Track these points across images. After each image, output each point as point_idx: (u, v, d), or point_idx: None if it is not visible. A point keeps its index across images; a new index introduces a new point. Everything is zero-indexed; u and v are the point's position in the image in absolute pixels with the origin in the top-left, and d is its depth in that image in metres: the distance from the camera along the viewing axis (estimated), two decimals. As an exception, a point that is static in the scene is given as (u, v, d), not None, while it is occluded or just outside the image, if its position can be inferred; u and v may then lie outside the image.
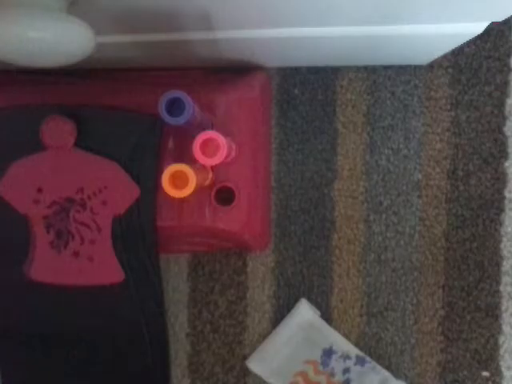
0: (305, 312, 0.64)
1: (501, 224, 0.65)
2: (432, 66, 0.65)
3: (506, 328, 0.65)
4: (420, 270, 0.65)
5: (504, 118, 0.65)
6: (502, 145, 0.65)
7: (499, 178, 0.65)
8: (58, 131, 0.55)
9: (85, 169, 0.56)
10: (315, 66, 0.65)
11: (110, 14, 0.45)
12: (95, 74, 0.60)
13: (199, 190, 0.51)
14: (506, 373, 0.65)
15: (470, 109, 0.65)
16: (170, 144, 0.57)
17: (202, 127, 0.52)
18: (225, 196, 0.57)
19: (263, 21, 0.49)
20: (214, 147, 0.47)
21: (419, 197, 0.65)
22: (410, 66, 0.65)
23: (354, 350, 0.64)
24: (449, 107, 0.65)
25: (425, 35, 0.51)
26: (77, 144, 0.55)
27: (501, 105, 0.65)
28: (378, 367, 0.63)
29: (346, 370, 0.63)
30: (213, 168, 0.55)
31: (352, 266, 0.65)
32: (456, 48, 0.62)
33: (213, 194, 0.57)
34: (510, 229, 0.65)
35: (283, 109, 0.65)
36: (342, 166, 0.65)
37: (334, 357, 0.64)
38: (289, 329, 0.64)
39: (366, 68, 0.65)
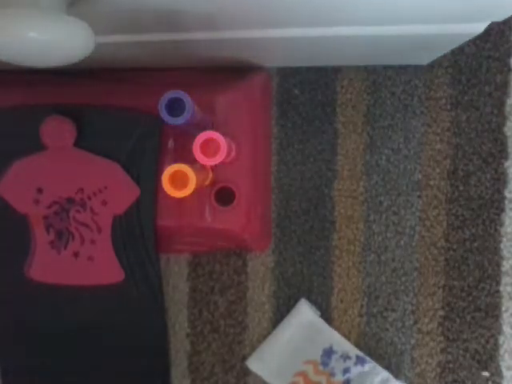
0: (305, 312, 0.64)
1: (501, 224, 0.65)
2: (432, 65, 0.65)
3: (506, 328, 0.65)
4: (420, 271, 0.65)
5: (504, 118, 0.65)
6: (501, 145, 0.65)
7: (499, 178, 0.65)
8: (58, 131, 0.55)
9: (85, 169, 0.56)
10: (315, 66, 0.65)
11: (109, 14, 0.45)
12: (95, 74, 0.60)
13: (199, 189, 0.51)
14: (506, 373, 0.65)
15: (470, 109, 0.65)
16: (170, 144, 0.57)
17: (202, 127, 0.52)
18: (225, 196, 0.57)
19: (263, 21, 0.49)
20: (214, 147, 0.47)
21: (419, 197, 0.65)
22: (410, 66, 0.65)
23: (353, 350, 0.64)
24: (449, 107, 0.65)
25: (425, 35, 0.51)
26: (77, 144, 0.55)
27: (501, 105, 0.65)
28: (378, 367, 0.63)
29: (346, 370, 0.63)
30: (213, 168, 0.55)
31: (352, 266, 0.65)
32: (456, 48, 0.62)
33: (213, 194, 0.57)
34: (509, 229, 0.65)
35: (283, 109, 0.65)
36: (342, 165, 0.65)
37: (334, 357, 0.64)
38: (289, 329, 0.64)
39: (365, 68, 0.65)
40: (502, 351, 0.65)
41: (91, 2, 0.41)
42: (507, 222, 0.65)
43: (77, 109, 0.55)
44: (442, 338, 0.65)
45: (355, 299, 0.65)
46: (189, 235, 0.61)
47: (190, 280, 0.66)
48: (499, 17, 0.47)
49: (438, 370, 0.65)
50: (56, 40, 0.37)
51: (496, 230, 0.65)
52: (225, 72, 0.62)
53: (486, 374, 0.65)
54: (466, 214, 0.65)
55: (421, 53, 0.60)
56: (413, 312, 0.65)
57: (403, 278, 0.65)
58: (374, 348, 0.65)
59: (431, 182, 0.65)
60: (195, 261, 0.66)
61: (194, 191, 0.46)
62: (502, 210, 0.65)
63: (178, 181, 0.46)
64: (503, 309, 0.65)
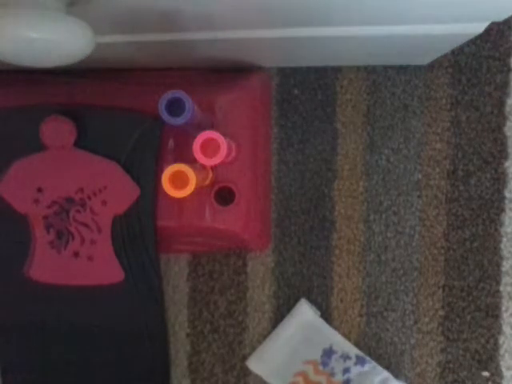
0: (305, 312, 0.64)
1: (501, 224, 0.65)
2: (432, 65, 0.65)
3: (506, 328, 0.65)
4: (420, 270, 0.65)
5: (504, 118, 0.65)
6: (502, 145, 0.65)
7: (499, 178, 0.65)
8: (58, 131, 0.55)
9: (85, 169, 0.56)
10: (315, 66, 0.65)
11: (109, 14, 0.45)
12: (95, 74, 0.60)
13: (199, 189, 0.51)
14: (506, 373, 0.65)
15: (470, 109, 0.65)
16: (170, 144, 0.57)
17: (202, 127, 0.52)
18: (225, 196, 0.57)
19: (263, 21, 0.49)
20: (214, 147, 0.47)
21: (419, 197, 0.65)
22: (410, 66, 0.65)
23: (353, 350, 0.64)
24: (449, 107, 0.65)
25: (425, 35, 0.51)
26: (77, 144, 0.55)
27: (501, 105, 0.65)
28: (378, 367, 0.63)
29: (346, 370, 0.63)
30: (213, 168, 0.55)
31: (352, 266, 0.65)
32: (456, 48, 0.62)
33: (213, 194, 0.57)
34: (509, 229, 0.65)
35: (283, 109, 0.65)
36: (342, 166, 0.65)
37: (334, 357, 0.64)
38: (289, 329, 0.64)
39: (366, 68, 0.65)
40: (502, 351, 0.65)
41: (91, 1, 0.41)
42: (507, 221, 0.65)
43: (77, 109, 0.55)
44: (442, 338, 0.65)
45: (355, 299, 0.65)
46: (189, 235, 0.61)
47: (190, 280, 0.66)
48: (499, 17, 0.47)
49: (438, 369, 0.65)
50: (56, 40, 0.37)
51: (496, 229, 0.65)
52: (225, 72, 0.62)
53: (486, 373, 0.65)
54: (465, 214, 0.65)
55: (421, 53, 0.60)
56: (413, 312, 0.65)
57: (403, 278, 0.65)
58: (374, 348, 0.65)
59: (431, 182, 0.65)
60: (195, 261, 0.66)
61: (194, 191, 0.46)
62: (502, 210, 0.65)
63: (178, 181, 0.46)
64: (503, 309, 0.65)
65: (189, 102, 0.45)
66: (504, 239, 0.65)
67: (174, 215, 0.57)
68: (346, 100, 0.65)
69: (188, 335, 0.66)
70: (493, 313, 0.65)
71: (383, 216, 0.65)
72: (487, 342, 0.65)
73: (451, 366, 0.65)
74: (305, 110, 0.65)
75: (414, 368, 0.65)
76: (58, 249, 0.57)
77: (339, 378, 0.63)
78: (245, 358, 0.65)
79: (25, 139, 0.55)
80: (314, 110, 0.65)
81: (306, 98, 0.65)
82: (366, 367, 0.63)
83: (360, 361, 0.63)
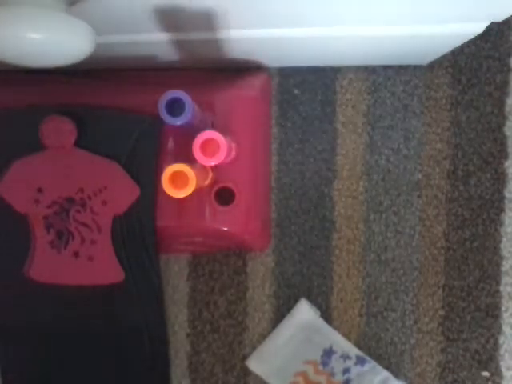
0: (305, 312, 0.64)
1: (501, 224, 0.65)
2: (432, 65, 0.65)
3: (505, 328, 0.65)
4: (420, 270, 0.65)
5: (504, 118, 0.65)
6: (502, 145, 0.65)
7: (499, 178, 0.65)
8: (58, 131, 0.55)
9: (85, 169, 0.56)
10: (315, 66, 0.65)
11: (109, 14, 0.45)
12: (95, 74, 0.60)
13: (199, 189, 0.51)
14: (506, 373, 0.65)
15: (470, 109, 0.65)
16: (170, 144, 0.57)
17: (202, 127, 0.52)
18: (225, 196, 0.57)
19: (263, 21, 0.49)
20: (214, 147, 0.47)
21: (419, 197, 0.65)
22: (410, 66, 0.65)
23: (353, 350, 0.64)
24: (449, 107, 0.65)
25: (425, 35, 0.51)
26: (77, 144, 0.55)
27: (501, 105, 0.65)
28: (378, 367, 0.63)
29: (346, 370, 0.63)
30: (213, 168, 0.55)
31: (352, 266, 0.65)
32: (456, 48, 0.62)
33: (213, 194, 0.57)
34: (509, 229, 0.65)
35: (283, 109, 0.65)
36: (342, 165, 0.65)
37: (334, 357, 0.64)
38: (289, 329, 0.64)
39: (366, 68, 0.65)
40: (502, 351, 0.65)
41: (91, 1, 0.41)
42: (507, 221, 0.65)
43: (77, 109, 0.55)
44: (442, 338, 0.65)
45: (355, 299, 0.65)
46: (189, 235, 0.61)
47: (190, 280, 0.66)
48: (499, 17, 0.47)
49: (438, 369, 0.65)
50: (56, 40, 0.37)
51: (496, 229, 0.65)
52: (225, 72, 0.62)
53: (486, 373, 0.65)
54: (465, 213, 0.65)
55: (421, 53, 0.60)
56: (413, 312, 0.65)
57: (403, 278, 0.65)
58: (374, 348, 0.65)
59: (431, 182, 0.65)
60: (195, 261, 0.66)
61: (194, 191, 0.46)
62: (502, 210, 0.65)
63: (178, 181, 0.46)
64: (503, 309, 0.65)
65: (189, 102, 0.45)
66: (504, 239, 0.65)
67: (174, 215, 0.57)
68: (346, 100, 0.65)
69: (188, 335, 0.66)
70: (493, 313, 0.65)
71: (383, 216, 0.65)
72: (487, 341, 0.65)
73: (451, 365, 0.65)
74: (305, 110, 0.65)
75: (414, 368, 0.65)
76: (58, 249, 0.57)
77: (339, 378, 0.63)
78: (245, 357, 0.65)
79: (25, 139, 0.55)
80: (314, 110, 0.65)
81: (306, 98, 0.65)
82: (366, 367, 0.63)
83: (360, 361, 0.63)
